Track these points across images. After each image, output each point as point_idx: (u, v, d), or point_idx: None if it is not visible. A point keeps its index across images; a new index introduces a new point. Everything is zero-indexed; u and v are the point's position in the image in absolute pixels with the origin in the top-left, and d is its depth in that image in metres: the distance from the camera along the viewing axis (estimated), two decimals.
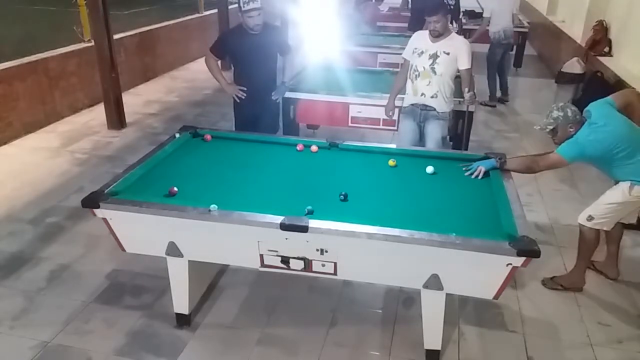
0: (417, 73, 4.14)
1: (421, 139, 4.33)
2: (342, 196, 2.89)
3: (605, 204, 3.29)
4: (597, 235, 3.38)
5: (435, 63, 4.05)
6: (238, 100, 4.34)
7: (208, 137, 3.71)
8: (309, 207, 2.68)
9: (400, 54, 7.27)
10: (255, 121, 4.32)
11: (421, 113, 4.21)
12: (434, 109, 4.15)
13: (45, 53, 6.50)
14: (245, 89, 4.28)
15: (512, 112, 7.51)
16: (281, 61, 4.48)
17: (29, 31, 12.80)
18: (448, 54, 4.02)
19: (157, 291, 3.40)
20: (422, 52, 4.11)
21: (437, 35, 4.04)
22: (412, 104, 4.24)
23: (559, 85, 7.91)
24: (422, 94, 4.15)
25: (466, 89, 4.09)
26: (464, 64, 4.04)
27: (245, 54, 4.20)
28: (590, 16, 8.00)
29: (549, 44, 10.96)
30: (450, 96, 4.22)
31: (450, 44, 4.04)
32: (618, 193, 3.24)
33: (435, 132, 4.20)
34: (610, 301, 3.46)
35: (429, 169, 3.29)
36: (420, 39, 4.17)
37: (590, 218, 3.33)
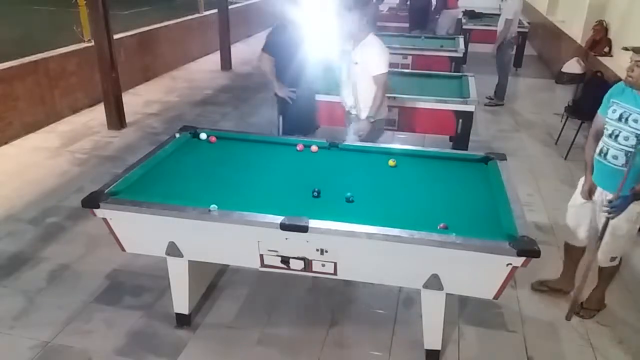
0: (342, 81, 4.07)
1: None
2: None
3: (624, 239, 3.05)
4: (616, 268, 3.25)
5: (351, 73, 3.96)
6: (290, 102, 4.27)
7: (213, 138, 3.70)
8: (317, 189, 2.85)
9: (401, 54, 7.36)
10: (300, 121, 4.26)
11: (349, 116, 4.17)
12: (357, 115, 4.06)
13: (45, 53, 6.49)
14: (295, 90, 4.23)
15: (512, 112, 7.51)
16: None
17: (29, 31, 12.80)
18: (357, 63, 3.86)
19: (157, 291, 3.41)
20: (347, 61, 3.98)
21: (350, 36, 3.88)
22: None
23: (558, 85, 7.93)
24: (345, 103, 4.10)
25: (366, 108, 3.87)
26: (372, 70, 3.81)
27: (292, 50, 4.12)
28: (590, 16, 8.00)
29: (549, 44, 10.96)
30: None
31: (360, 51, 3.85)
32: (632, 220, 2.98)
33: (351, 133, 4.11)
34: (610, 301, 3.46)
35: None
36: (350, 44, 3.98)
37: (613, 259, 3.15)
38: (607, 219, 2.95)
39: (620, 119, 2.84)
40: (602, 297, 3.36)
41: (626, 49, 2.90)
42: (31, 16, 15.99)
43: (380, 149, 3.62)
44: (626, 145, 2.81)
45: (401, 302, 3.40)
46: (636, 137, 2.76)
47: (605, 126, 2.94)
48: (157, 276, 3.43)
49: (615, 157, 2.87)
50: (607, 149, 2.91)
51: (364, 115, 3.98)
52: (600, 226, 3.07)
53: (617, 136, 2.85)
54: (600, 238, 3.03)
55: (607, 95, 3.02)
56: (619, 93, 2.92)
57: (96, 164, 5.39)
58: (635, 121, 2.77)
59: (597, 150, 2.98)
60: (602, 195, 3.03)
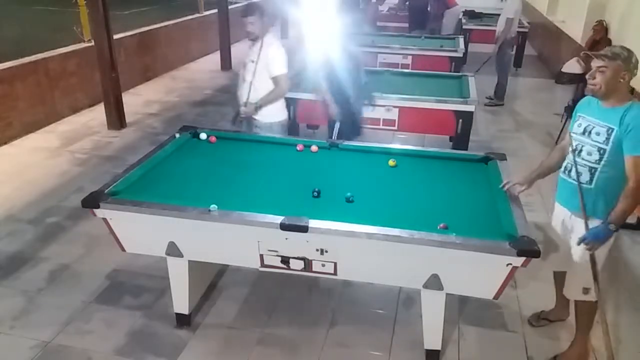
0: (240, 81, 4.08)
1: None
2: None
3: (599, 265, 2.69)
4: (594, 305, 2.81)
5: (247, 71, 3.98)
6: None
7: (213, 138, 3.70)
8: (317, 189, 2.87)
9: (400, 54, 7.36)
10: (354, 124, 4.26)
11: (244, 120, 4.14)
12: (255, 118, 4.06)
13: (45, 53, 6.50)
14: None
15: (512, 112, 7.51)
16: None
17: (29, 31, 12.80)
18: (254, 61, 3.92)
19: (157, 291, 3.41)
20: (246, 62, 4.03)
21: (253, 38, 3.95)
22: None
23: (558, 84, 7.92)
24: (243, 103, 4.04)
25: (256, 97, 3.92)
26: (272, 71, 3.88)
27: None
28: (590, 16, 8.00)
29: (549, 44, 10.96)
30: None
31: (260, 51, 3.91)
32: (605, 246, 2.68)
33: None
34: (610, 302, 3.46)
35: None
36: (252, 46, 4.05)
37: (586, 291, 2.77)
38: (591, 253, 2.64)
39: (584, 132, 2.65)
40: (582, 351, 2.91)
41: (586, 54, 2.67)
42: (31, 16, 16.00)
43: (380, 149, 3.62)
44: (589, 161, 2.61)
45: (401, 302, 3.40)
46: (598, 151, 2.56)
47: (571, 141, 2.74)
48: (157, 276, 3.43)
49: (579, 174, 2.65)
50: (571, 166, 2.69)
51: (260, 116, 4.01)
52: (571, 251, 2.81)
53: (580, 151, 2.65)
54: (594, 275, 2.65)
55: (574, 110, 2.86)
56: (585, 106, 2.75)
57: (96, 164, 5.39)
58: (598, 134, 2.57)
59: (562, 168, 2.80)
60: (571, 220, 2.79)
